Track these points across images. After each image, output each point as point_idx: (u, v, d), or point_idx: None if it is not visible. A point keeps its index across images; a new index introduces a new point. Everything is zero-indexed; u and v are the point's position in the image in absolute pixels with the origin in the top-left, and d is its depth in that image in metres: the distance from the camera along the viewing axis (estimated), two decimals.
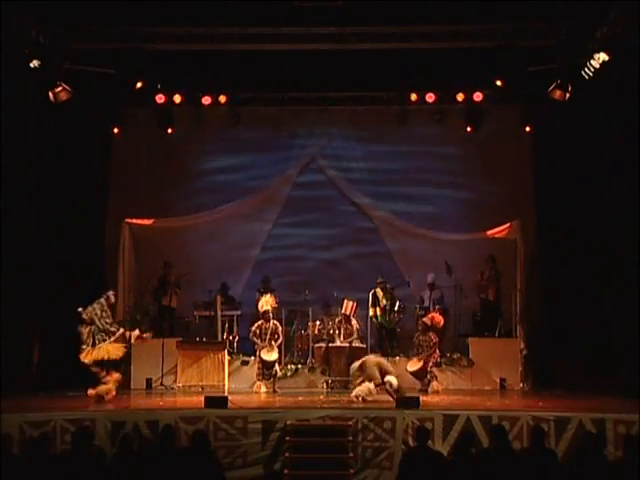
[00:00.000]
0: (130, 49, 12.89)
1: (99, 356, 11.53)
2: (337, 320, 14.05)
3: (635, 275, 12.29)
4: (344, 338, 13.86)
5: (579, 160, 13.99)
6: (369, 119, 16.00)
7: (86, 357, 11.55)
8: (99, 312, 11.69)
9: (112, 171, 15.56)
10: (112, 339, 11.68)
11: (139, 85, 13.52)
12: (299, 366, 14.16)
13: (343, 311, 13.94)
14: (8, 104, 12.23)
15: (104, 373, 11.63)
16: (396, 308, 14.71)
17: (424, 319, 13.48)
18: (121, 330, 11.86)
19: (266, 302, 13.54)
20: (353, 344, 13.81)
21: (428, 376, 13.15)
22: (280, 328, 13.56)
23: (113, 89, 13.94)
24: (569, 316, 13.95)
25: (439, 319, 13.39)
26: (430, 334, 13.21)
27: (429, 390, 12.85)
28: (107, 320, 11.75)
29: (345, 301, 14.01)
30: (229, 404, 10.53)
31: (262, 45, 13.17)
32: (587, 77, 12.32)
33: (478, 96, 14.85)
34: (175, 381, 13.57)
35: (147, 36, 12.98)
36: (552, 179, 14.86)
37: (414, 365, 13.29)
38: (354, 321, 13.97)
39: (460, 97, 14.93)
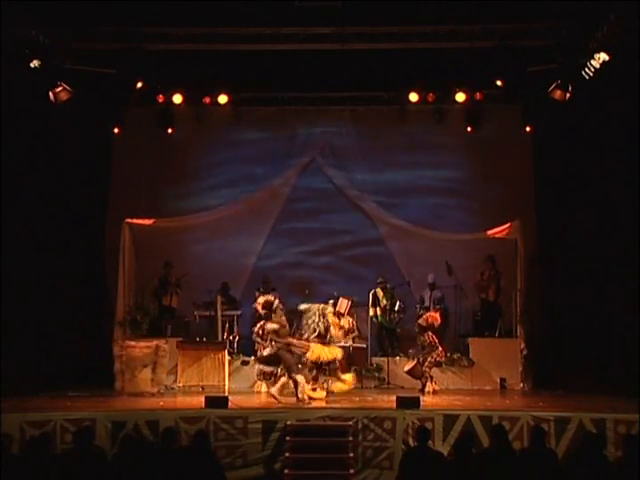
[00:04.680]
0: (130, 49, 12.89)
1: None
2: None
3: (635, 275, 12.29)
4: (343, 336, 13.75)
5: (579, 160, 13.99)
6: (369, 119, 16.00)
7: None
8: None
9: (112, 171, 15.56)
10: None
11: (139, 85, 13.52)
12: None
13: (337, 309, 13.85)
14: (8, 104, 12.22)
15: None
16: (396, 308, 14.71)
17: (419, 321, 13.35)
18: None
19: None
20: (353, 343, 13.77)
21: (425, 376, 13.07)
22: None
23: (113, 89, 13.94)
24: (569, 316, 13.94)
25: (433, 318, 13.21)
26: (427, 334, 13.12)
27: (424, 390, 12.79)
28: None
29: (340, 299, 13.94)
30: (229, 404, 10.54)
31: (262, 45, 13.17)
32: (587, 77, 12.32)
33: (478, 96, 14.86)
34: (175, 381, 13.56)
35: (147, 36, 12.98)
36: (552, 179, 14.86)
37: (408, 364, 13.25)
38: (349, 319, 13.86)
39: (460, 97, 14.92)
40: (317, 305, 12.56)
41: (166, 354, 13.10)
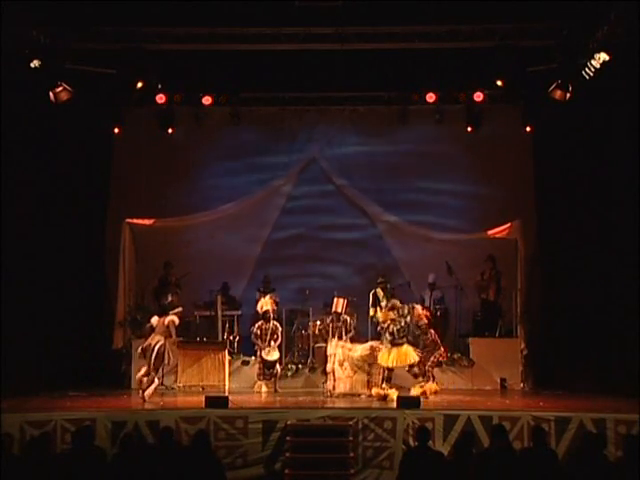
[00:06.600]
0: (130, 49, 12.89)
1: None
2: (328, 320, 13.92)
3: (635, 275, 12.29)
4: (345, 334, 13.68)
5: (579, 160, 13.99)
6: (369, 119, 16.00)
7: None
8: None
9: (112, 171, 15.55)
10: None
11: (139, 85, 13.51)
12: (300, 366, 14.14)
13: (334, 309, 13.79)
14: (8, 104, 12.22)
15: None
16: None
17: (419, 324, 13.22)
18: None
19: (265, 303, 13.55)
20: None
21: (427, 375, 12.95)
22: (280, 329, 13.55)
23: (113, 89, 13.94)
24: (569, 316, 13.95)
25: (420, 315, 12.94)
26: (429, 332, 12.99)
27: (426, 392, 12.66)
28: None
29: (335, 299, 13.89)
30: (230, 404, 10.54)
31: (262, 45, 13.17)
32: (587, 77, 12.32)
33: (478, 96, 14.84)
34: (175, 381, 13.56)
35: (147, 36, 12.98)
36: (552, 179, 14.86)
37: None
38: (348, 318, 13.80)
39: (460, 97, 14.93)
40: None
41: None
